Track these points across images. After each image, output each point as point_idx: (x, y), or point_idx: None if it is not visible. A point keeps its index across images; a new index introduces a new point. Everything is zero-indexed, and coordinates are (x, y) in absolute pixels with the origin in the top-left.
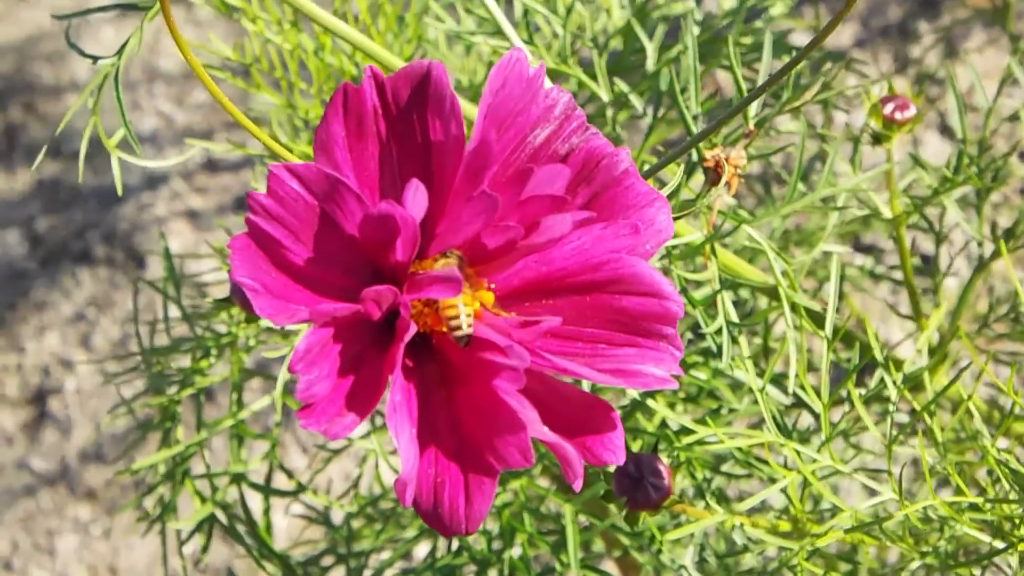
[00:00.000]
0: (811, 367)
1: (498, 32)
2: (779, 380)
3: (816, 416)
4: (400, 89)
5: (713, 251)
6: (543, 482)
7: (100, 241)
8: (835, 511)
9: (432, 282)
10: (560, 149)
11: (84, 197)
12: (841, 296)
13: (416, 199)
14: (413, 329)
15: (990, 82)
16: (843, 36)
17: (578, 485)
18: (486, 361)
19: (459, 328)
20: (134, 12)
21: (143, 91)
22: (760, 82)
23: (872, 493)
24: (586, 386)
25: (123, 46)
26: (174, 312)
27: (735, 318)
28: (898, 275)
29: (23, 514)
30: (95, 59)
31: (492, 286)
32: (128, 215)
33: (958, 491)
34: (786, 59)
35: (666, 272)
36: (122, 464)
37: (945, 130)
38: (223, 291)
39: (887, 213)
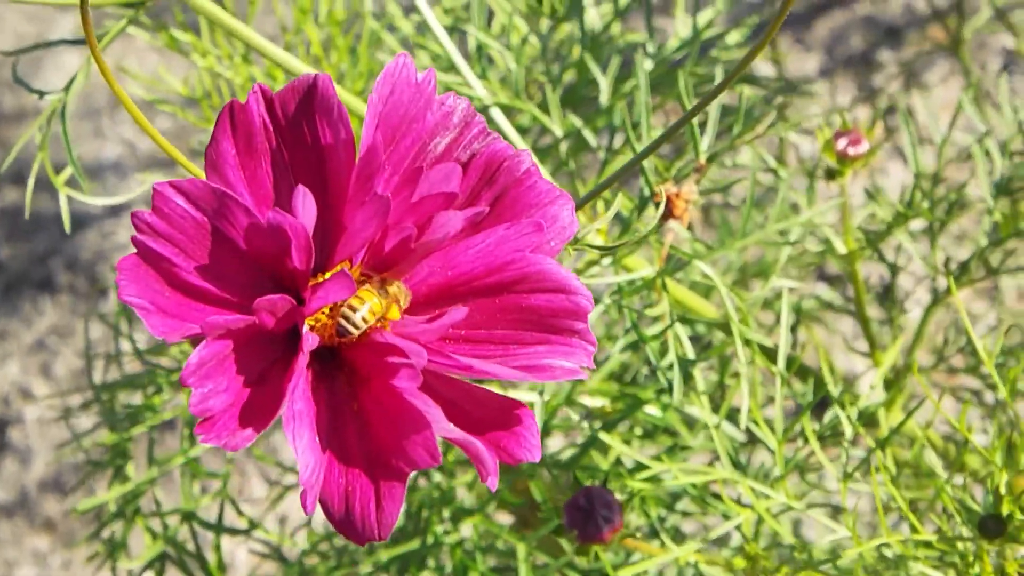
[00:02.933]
0: (770, 401)
1: (452, 68)
2: (735, 416)
3: (772, 452)
4: (288, 102)
5: (664, 286)
6: (499, 517)
7: (62, 269)
8: (791, 550)
9: (325, 287)
10: (462, 156)
11: (46, 224)
12: (798, 328)
13: (305, 206)
14: (314, 340)
15: (952, 112)
16: (807, 64)
17: (493, 483)
18: (387, 364)
19: (347, 328)
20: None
21: (106, 118)
22: (713, 113)
23: (831, 530)
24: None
25: (70, 82)
26: (126, 347)
27: (690, 353)
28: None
29: None
30: (42, 94)
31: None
32: (91, 243)
33: (914, 528)
34: (740, 89)
35: (619, 307)
36: (81, 494)
37: (908, 159)
38: None
39: (841, 248)
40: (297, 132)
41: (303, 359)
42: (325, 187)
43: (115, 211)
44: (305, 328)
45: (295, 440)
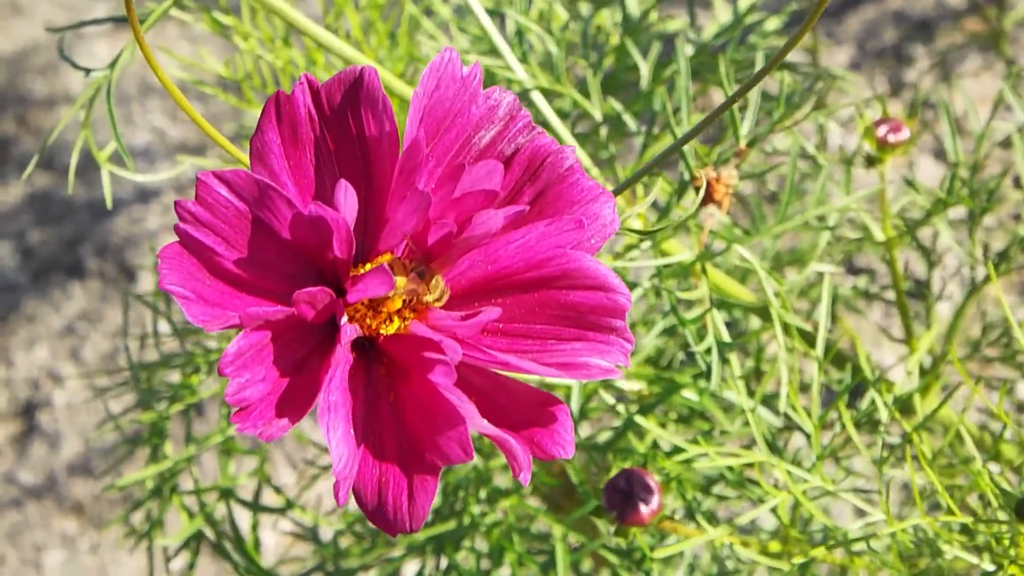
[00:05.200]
0: (803, 388)
1: (492, 51)
2: (771, 401)
3: (807, 437)
4: (334, 93)
5: (704, 270)
6: (533, 502)
7: (92, 254)
8: (825, 533)
9: (364, 281)
10: (506, 149)
11: (76, 210)
12: (834, 318)
13: (347, 199)
14: (354, 332)
15: (984, 106)
16: (838, 58)
17: (525, 478)
18: (423, 358)
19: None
20: (127, 27)
21: (136, 105)
22: (753, 100)
23: (862, 515)
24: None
25: (116, 59)
26: (163, 327)
27: (726, 338)
28: (890, 295)
29: (9, 528)
30: (88, 71)
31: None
32: (120, 229)
33: (948, 513)
34: (778, 77)
35: (657, 291)
36: (110, 478)
37: (939, 154)
38: None
39: (879, 235)
40: (342, 123)
41: (341, 350)
42: (368, 178)
43: (144, 197)
44: (344, 320)
45: (330, 432)
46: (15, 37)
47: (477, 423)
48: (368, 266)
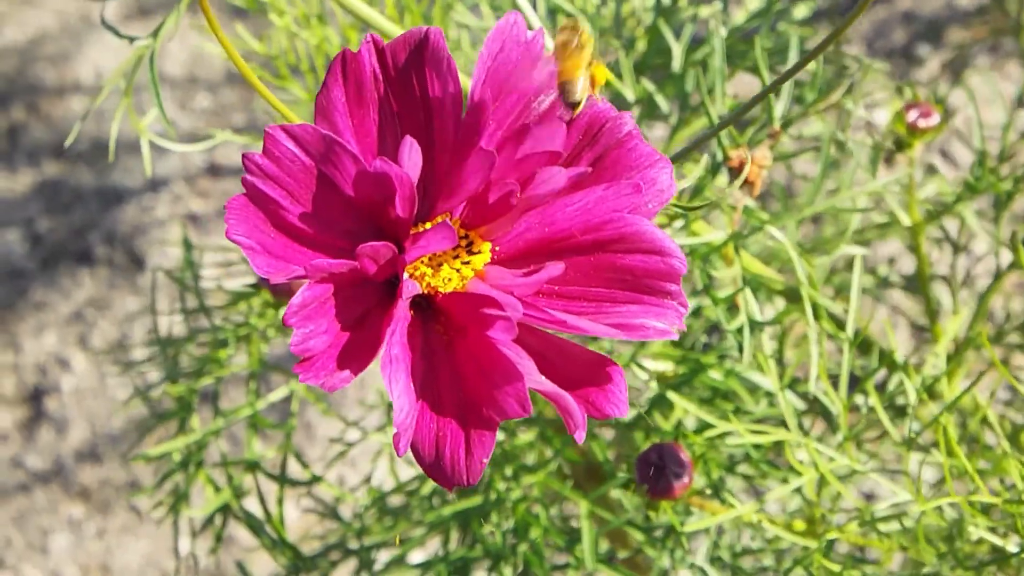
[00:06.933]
0: (832, 376)
1: None
2: (794, 386)
3: (831, 421)
4: (399, 53)
5: (737, 250)
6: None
7: (100, 242)
8: (851, 513)
9: (426, 237)
10: (564, 115)
11: (85, 198)
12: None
13: (411, 156)
14: (415, 288)
15: (997, 105)
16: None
17: (580, 436)
18: (483, 315)
19: (571, 96)
20: (140, 17)
21: (147, 94)
22: (786, 84)
23: (871, 500)
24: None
25: (159, 27)
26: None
27: (759, 316)
28: (908, 285)
29: (16, 512)
30: (132, 39)
31: (497, 248)
32: (129, 217)
33: (973, 494)
34: (818, 61)
35: (688, 272)
36: (116, 464)
37: (947, 155)
38: (234, 285)
39: (906, 220)
40: (406, 83)
41: (403, 305)
42: (430, 139)
43: (154, 186)
44: (405, 276)
45: (392, 384)
46: (26, 26)
47: (535, 379)
48: (429, 225)
